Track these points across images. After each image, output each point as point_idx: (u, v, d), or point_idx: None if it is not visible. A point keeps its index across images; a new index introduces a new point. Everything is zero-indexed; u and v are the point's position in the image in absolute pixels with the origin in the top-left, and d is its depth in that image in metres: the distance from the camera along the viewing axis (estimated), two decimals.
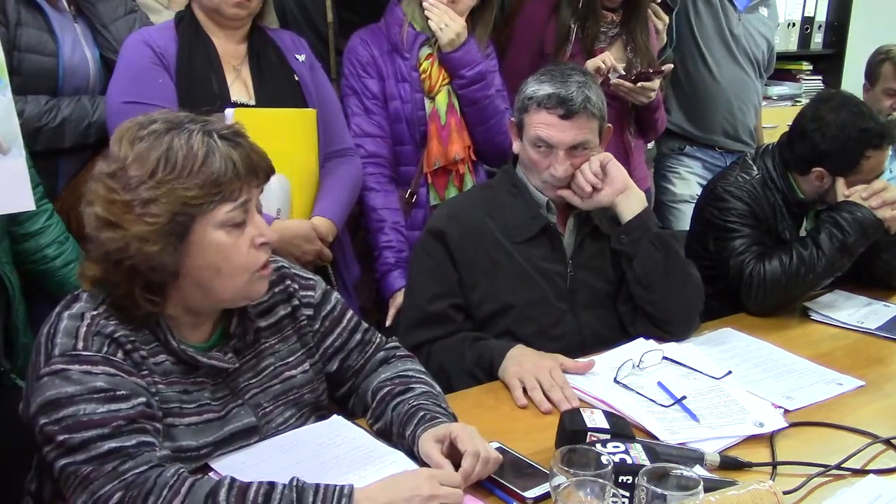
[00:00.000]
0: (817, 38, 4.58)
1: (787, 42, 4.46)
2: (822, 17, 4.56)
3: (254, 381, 1.51)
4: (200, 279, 1.37)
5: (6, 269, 1.88)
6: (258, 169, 1.39)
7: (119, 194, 1.31)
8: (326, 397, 1.63)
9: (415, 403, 1.52)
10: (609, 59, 2.50)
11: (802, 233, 2.42)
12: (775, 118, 3.79)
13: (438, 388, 1.61)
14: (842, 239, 2.22)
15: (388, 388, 1.58)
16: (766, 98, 4.08)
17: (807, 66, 4.56)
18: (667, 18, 2.86)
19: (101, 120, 2.13)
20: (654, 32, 2.78)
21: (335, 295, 1.65)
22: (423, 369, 1.67)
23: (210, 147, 1.33)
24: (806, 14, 4.49)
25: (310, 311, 1.59)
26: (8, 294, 1.89)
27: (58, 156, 2.13)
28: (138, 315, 1.36)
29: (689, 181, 3.23)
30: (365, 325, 1.68)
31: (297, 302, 1.58)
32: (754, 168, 2.43)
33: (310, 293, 1.60)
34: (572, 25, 2.56)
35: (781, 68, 4.31)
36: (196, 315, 1.44)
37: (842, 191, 2.28)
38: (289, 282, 1.58)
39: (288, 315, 1.57)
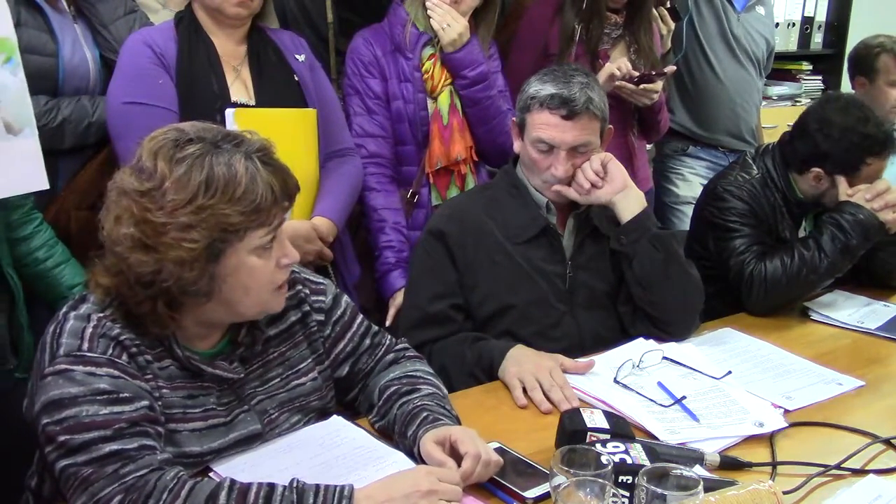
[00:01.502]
0: (817, 38, 4.58)
1: (787, 42, 4.45)
2: (822, 17, 4.55)
3: (260, 388, 1.50)
4: (229, 299, 1.37)
5: (10, 270, 1.90)
6: (292, 192, 1.39)
7: (153, 214, 1.29)
8: (334, 403, 1.63)
9: (419, 404, 1.52)
10: (625, 65, 2.49)
11: (802, 233, 2.42)
12: (775, 118, 3.79)
13: (445, 390, 1.62)
14: (844, 241, 2.22)
15: (395, 388, 1.58)
16: (766, 98, 4.08)
17: (807, 66, 4.55)
18: (672, 24, 2.87)
19: (100, 120, 2.13)
20: (658, 36, 2.78)
21: (345, 299, 1.65)
22: (431, 371, 1.67)
23: (252, 173, 1.32)
24: (806, 14, 4.49)
25: (321, 317, 1.59)
26: (12, 294, 1.91)
27: (57, 156, 2.13)
28: (151, 327, 1.35)
29: (691, 182, 3.24)
30: (375, 327, 1.68)
31: (307, 307, 1.57)
32: (754, 167, 2.43)
33: (321, 298, 1.59)
34: (576, 26, 2.56)
35: (781, 68, 4.30)
36: (209, 327, 1.44)
37: (844, 191, 2.28)
38: (300, 286, 1.57)
39: (299, 320, 1.56)
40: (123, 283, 1.31)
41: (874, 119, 2.30)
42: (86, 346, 1.30)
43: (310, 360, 1.57)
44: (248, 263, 1.35)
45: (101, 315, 1.33)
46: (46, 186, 1.87)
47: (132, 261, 1.29)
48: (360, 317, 1.66)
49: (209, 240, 1.29)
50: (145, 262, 1.29)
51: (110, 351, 1.31)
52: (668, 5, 2.85)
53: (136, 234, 1.29)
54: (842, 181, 2.29)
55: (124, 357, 1.32)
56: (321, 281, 1.63)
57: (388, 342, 1.68)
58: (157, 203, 1.29)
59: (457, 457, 1.40)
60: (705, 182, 3.07)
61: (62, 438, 1.25)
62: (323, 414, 1.60)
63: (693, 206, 2.95)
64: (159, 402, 1.35)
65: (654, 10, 2.76)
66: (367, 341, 1.65)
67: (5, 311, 1.89)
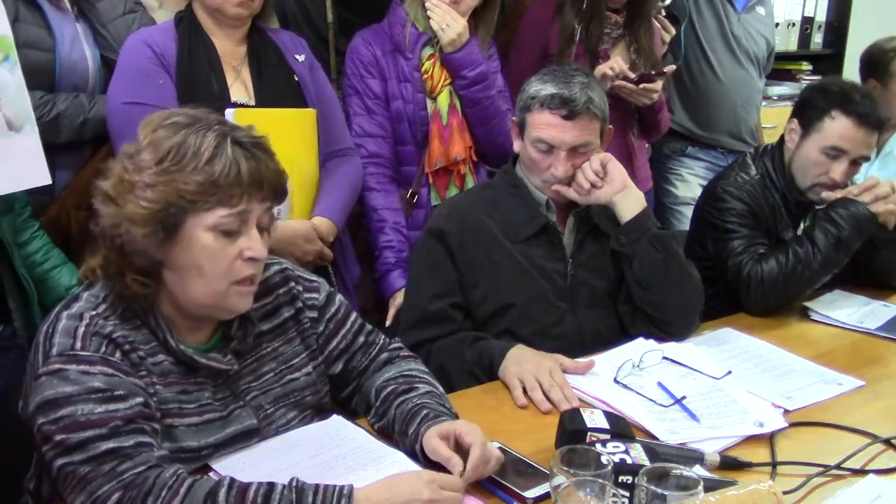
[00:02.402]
0: (817, 38, 4.58)
1: (787, 42, 4.45)
2: (822, 17, 4.55)
3: (255, 383, 1.51)
4: (182, 275, 1.37)
5: (23, 272, 1.92)
6: (264, 183, 1.37)
7: (129, 174, 1.33)
8: (329, 399, 1.63)
9: (418, 402, 1.52)
10: (618, 65, 2.49)
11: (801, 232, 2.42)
12: (775, 118, 3.78)
13: (441, 389, 1.62)
14: (836, 234, 2.22)
15: (391, 388, 1.58)
16: (766, 98, 4.08)
17: (807, 66, 4.55)
18: (673, 30, 2.87)
19: (97, 117, 2.13)
20: (659, 35, 2.78)
21: (339, 297, 1.65)
22: (426, 370, 1.67)
23: (219, 149, 1.33)
24: (806, 14, 4.49)
25: (314, 314, 1.59)
26: (27, 295, 1.92)
27: (54, 151, 2.13)
28: (131, 294, 1.35)
29: (690, 183, 3.24)
30: (369, 326, 1.68)
31: (300, 304, 1.57)
32: (753, 168, 2.43)
33: (314, 295, 1.60)
34: (576, 26, 2.56)
35: (781, 68, 4.30)
36: (190, 318, 1.43)
37: (831, 196, 2.29)
38: (293, 283, 1.58)
39: (291, 317, 1.57)
40: (103, 245, 1.35)
41: (865, 92, 2.31)
42: (79, 344, 1.30)
43: (304, 356, 1.57)
44: (201, 240, 1.34)
45: (94, 313, 1.34)
46: (49, 181, 1.89)
47: (102, 213, 1.34)
48: (354, 315, 1.66)
49: (164, 203, 1.31)
50: (109, 215, 1.33)
51: (103, 349, 1.31)
52: (664, 14, 2.85)
53: (108, 189, 1.34)
54: (826, 193, 2.30)
55: (117, 354, 1.32)
56: (314, 279, 1.63)
57: (382, 341, 1.69)
58: (133, 163, 1.34)
59: (461, 452, 1.39)
60: (704, 183, 3.08)
61: (58, 438, 1.25)
62: (319, 411, 1.60)
63: (692, 206, 2.95)
64: (154, 399, 1.35)
65: (655, 20, 2.77)
66: (361, 339, 1.65)
67: (20, 311, 1.91)
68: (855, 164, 2.31)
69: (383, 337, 1.70)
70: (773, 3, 3.52)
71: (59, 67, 2.11)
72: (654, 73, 2.57)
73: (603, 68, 2.49)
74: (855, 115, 2.25)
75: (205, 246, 1.35)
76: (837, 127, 2.27)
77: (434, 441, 1.41)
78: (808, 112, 2.33)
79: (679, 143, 3.26)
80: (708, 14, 3.14)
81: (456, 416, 1.53)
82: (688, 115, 3.22)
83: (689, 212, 3.04)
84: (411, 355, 1.70)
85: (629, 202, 2.00)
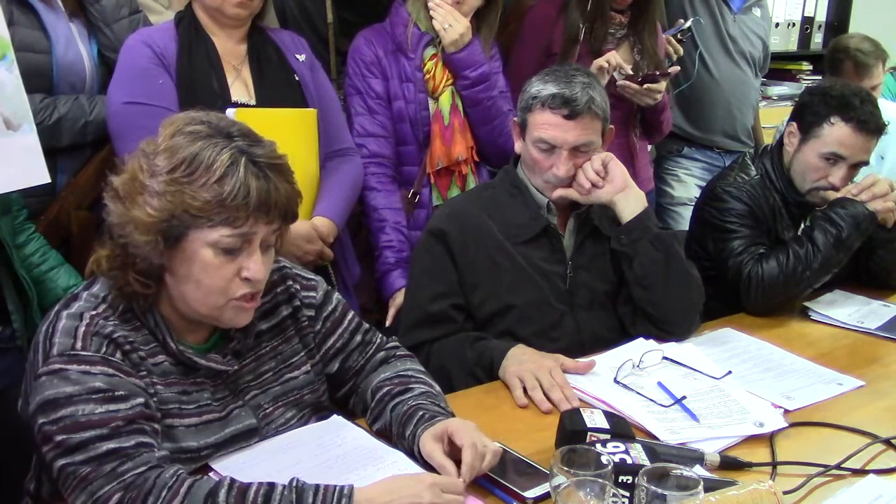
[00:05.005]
0: (817, 38, 4.58)
1: (787, 42, 4.45)
2: (822, 17, 4.56)
3: (254, 382, 1.51)
4: (181, 283, 1.37)
5: (22, 272, 1.92)
6: (272, 207, 1.36)
7: (143, 175, 1.33)
8: (327, 398, 1.63)
9: (414, 404, 1.52)
10: (614, 58, 2.49)
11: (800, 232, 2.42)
12: (775, 118, 3.79)
13: (438, 388, 1.62)
14: (836, 234, 2.22)
15: (387, 388, 1.58)
16: (766, 98, 4.08)
17: (807, 66, 4.55)
18: (681, 49, 2.88)
19: (97, 119, 2.12)
20: (662, 37, 2.78)
21: (336, 296, 1.65)
22: (423, 369, 1.67)
23: (232, 168, 1.32)
24: (806, 14, 4.49)
25: (311, 312, 1.59)
26: (27, 297, 1.92)
27: (56, 155, 2.13)
28: (133, 293, 1.35)
29: (687, 184, 3.23)
30: (366, 325, 1.68)
31: (298, 302, 1.58)
32: (753, 168, 2.43)
33: (311, 294, 1.60)
34: (580, 27, 2.56)
35: (781, 68, 4.30)
36: (189, 321, 1.43)
37: (830, 196, 2.29)
38: (290, 282, 1.58)
39: (290, 315, 1.57)
40: (108, 240, 1.35)
41: (864, 94, 2.30)
42: (79, 344, 1.30)
43: (302, 354, 1.58)
44: (201, 255, 1.34)
45: (94, 313, 1.34)
46: (48, 180, 1.88)
47: (110, 209, 1.35)
48: (351, 313, 1.66)
49: (170, 214, 1.31)
50: (116, 213, 1.34)
51: (104, 349, 1.31)
52: (679, 38, 2.86)
53: (119, 186, 1.34)
54: (827, 194, 2.30)
55: (118, 355, 1.32)
56: (312, 277, 1.63)
57: (378, 340, 1.69)
58: (149, 164, 1.33)
59: (456, 451, 1.39)
60: (700, 183, 3.09)
61: (59, 438, 1.25)
62: (317, 410, 1.60)
63: (689, 207, 2.95)
64: (154, 399, 1.35)
65: (669, 44, 2.79)
66: (358, 338, 1.65)
67: (20, 312, 1.91)
68: (854, 168, 2.32)
69: (380, 336, 1.70)
70: (770, 5, 3.51)
71: (55, 68, 2.10)
72: (658, 73, 2.57)
73: (599, 62, 2.49)
74: (855, 121, 2.25)
75: (204, 261, 1.35)
76: (837, 133, 2.27)
77: (429, 445, 1.41)
78: (807, 117, 2.33)
79: (675, 143, 3.25)
80: (703, 14, 3.14)
81: (452, 416, 1.53)
82: (683, 115, 3.22)
83: (686, 212, 3.05)
84: (408, 354, 1.70)
85: (630, 202, 2.00)
